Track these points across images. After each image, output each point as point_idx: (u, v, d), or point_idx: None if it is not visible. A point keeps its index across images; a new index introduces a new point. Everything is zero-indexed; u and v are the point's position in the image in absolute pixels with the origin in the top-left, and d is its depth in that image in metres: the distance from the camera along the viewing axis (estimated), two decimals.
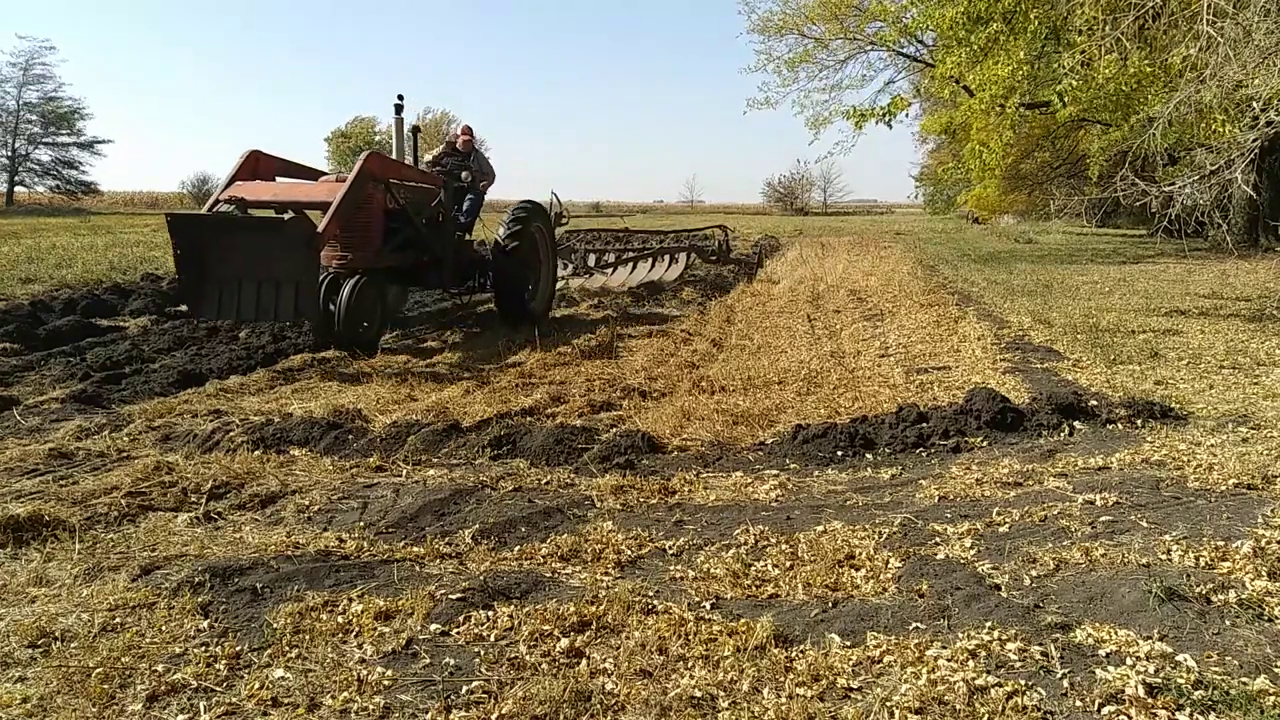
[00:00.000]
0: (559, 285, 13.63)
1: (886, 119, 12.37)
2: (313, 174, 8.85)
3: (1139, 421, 5.26)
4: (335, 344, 8.18)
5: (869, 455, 4.99)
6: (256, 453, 4.98)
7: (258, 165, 8.34)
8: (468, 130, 11.36)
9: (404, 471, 4.76)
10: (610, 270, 15.23)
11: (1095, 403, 5.58)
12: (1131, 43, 9.09)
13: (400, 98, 10.18)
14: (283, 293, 7.00)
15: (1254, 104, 8.20)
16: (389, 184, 8.52)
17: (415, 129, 10.71)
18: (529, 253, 10.49)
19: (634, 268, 15.47)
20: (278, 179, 8.46)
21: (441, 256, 9.56)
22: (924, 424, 5.27)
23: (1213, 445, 4.76)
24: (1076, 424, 5.27)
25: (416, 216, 9.18)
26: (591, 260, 15.64)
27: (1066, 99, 9.90)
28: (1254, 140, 8.54)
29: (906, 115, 13.45)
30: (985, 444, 5.07)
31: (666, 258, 16.08)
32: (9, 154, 50.35)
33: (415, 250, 9.36)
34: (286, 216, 7.04)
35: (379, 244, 8.66)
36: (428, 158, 10.95)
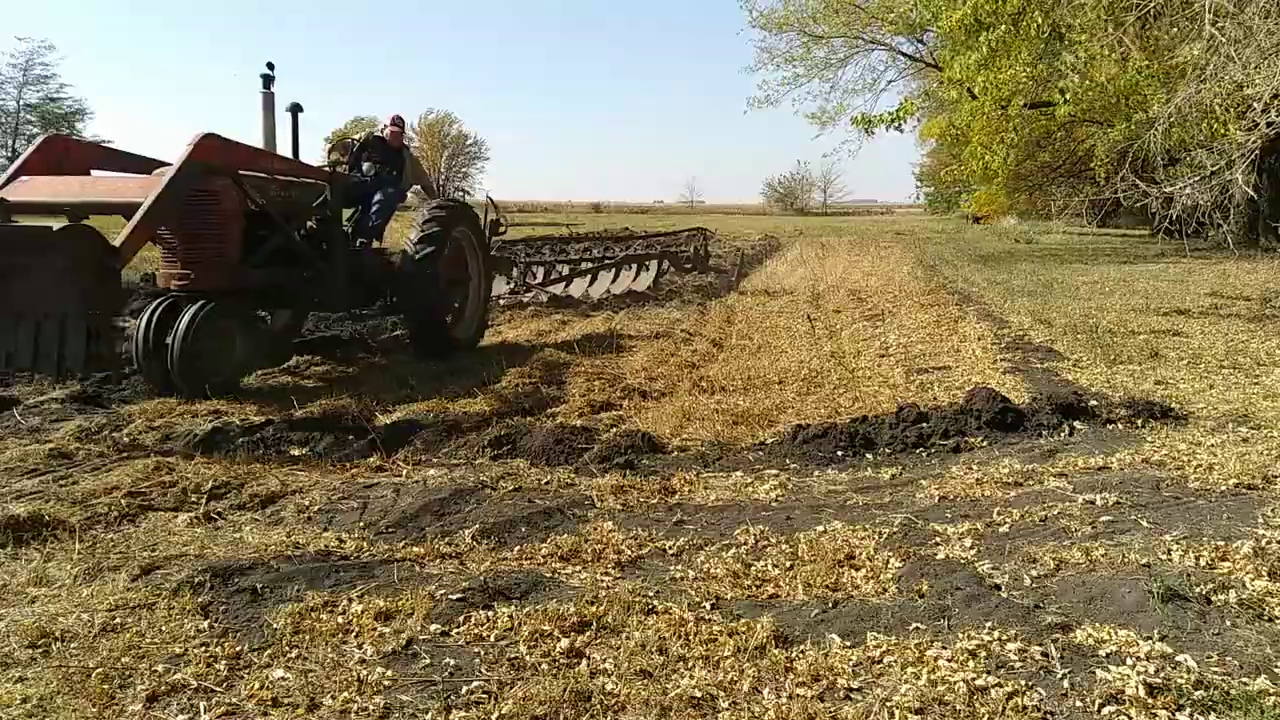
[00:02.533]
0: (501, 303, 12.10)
1: (896, 124, 12.43)
2: (148, 166, 6.80)
3: (1139, 421, 5.25)
4: (175, 390, 6.09)
5: (869, 455, 4.99)
6: (256, 453, 4.97)
7: (61, 156, 6.40)
8: (398, 121, 9.26)
9: (404, 471, 4.75)
10: (565, 284, 13.26)
11: (1095, 403, 5.58)
12: (1134, 44, 9.11)
13: (270, 66, 7.78)
14: (69, 332, 5.04)
15: (1254, 104, 8.20)
16: (238, 177, 6.59)
17: (295, 107, 8.21)
18: (452, 265, 8.56)
19: (593, 280, 13.60)
20: (93, 173, 6.60)
21: (328, 271, 7.53)
22: (924, 424, 5.27)
23: (1213, 445, 4.75)
24: (1077, 424, 5.27)
25: (291, 220, 7.33)
26: (540, 274, 13.59)
27: (1068, 96, 9.92)
28: (1254, 141, 8.54)
29: (916, 119, 13.53)
30: (985, 444, 5.06)
31: (634, 267, 14.27)
32: (9, 155, 50.39)
33: (291, 264, 7.34)
34: (55, 225, 5.32)
35: (235, 257, 6.78)
36: (334, 155, 9.15)
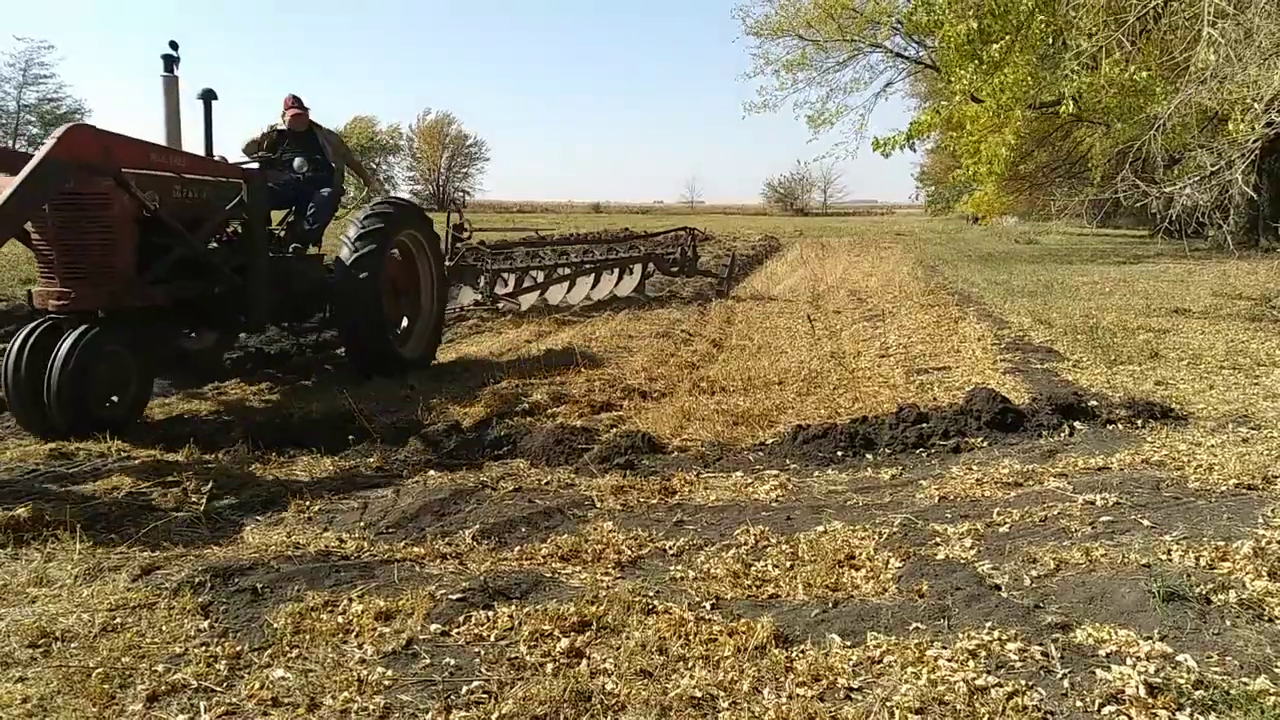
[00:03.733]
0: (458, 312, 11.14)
1: (910, 143, 12.59)
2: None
3: (1139, 422, 5.25)
4: (54, 430, 5.11)
5: (869, 455, 4.99)
6: (256, 453, 4.98)
7: None
8: (294, 102, 7.78)
9: (404, 471, 4.75)
10: (540, 292, 12.30)
11: (1095, 403, 5.58)
12: (1135, 44, 9.11)
13: (174, 46, 6.63)
14: None
15: (1255, 104, 8.21)
16: (123, 177, 5.53)
17: (207, 94, 7.16)
18: (399, 272, 7.68)
19: (571, 286, 12.66)
20: None
21: (248, 283, 6.46)
22: (924, 424, 5.27)
23: (1213, 445, 4.75)
24: (1077, 424, 5.27)
25: (199, 226, 6.22)
26: (511, 282, 12.37)
27: (1080, 99, 9.93)
28: (1254, 141, 8.54)
29: (928, 139, 13.65)
30: (985, 444, 5.07)
31: (615, 271, 13.30)
32: None
33: (197, 278, 6.27)
34: None
35: (127, 270, 5.70)
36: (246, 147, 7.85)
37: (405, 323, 7.89)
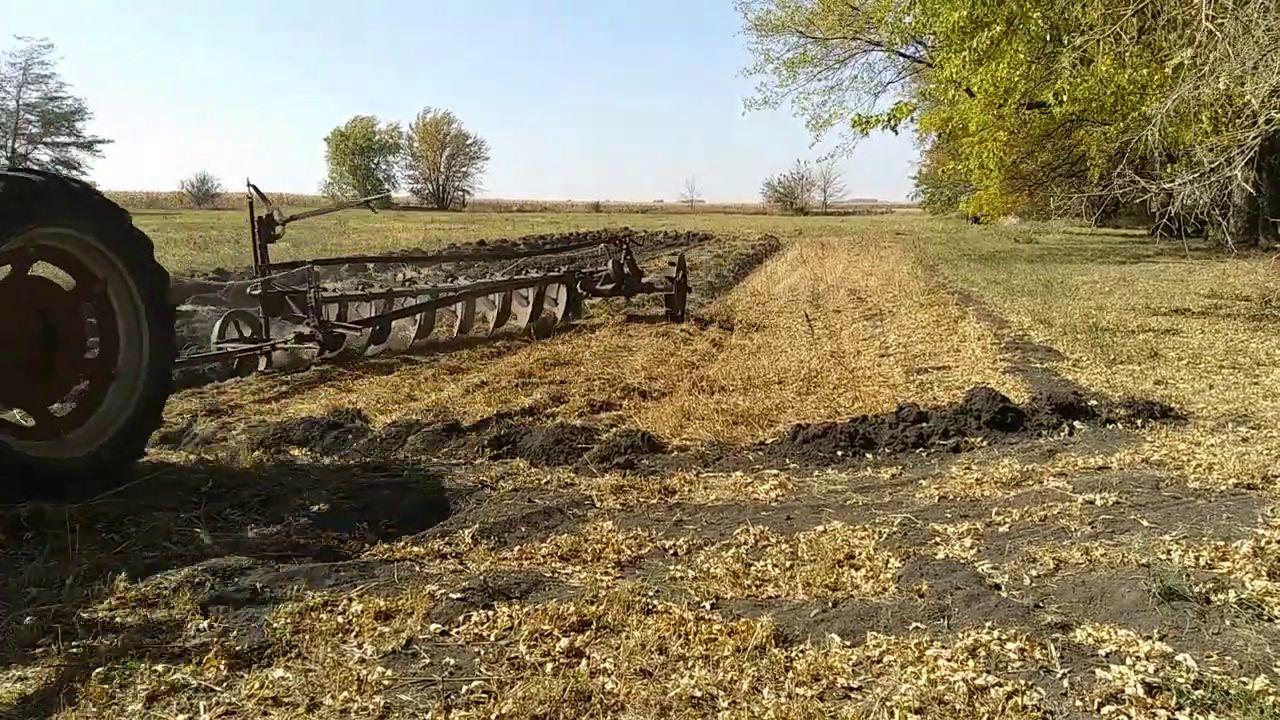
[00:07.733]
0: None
1: (892, 124, 12.50)
2: None
3: (1139, 421, 5.25)
4: None
5: (869, 455, 4.99)
6: (256, 453, 4.97)
7: None
8: None
9: (404, 471, 4.75)
10: (420, 325, 9.11)
11: (1095, 403, 5.58)
12: (1133, 44, 9.10)
13: None
14: None
15: (1253, 101, 8.19)
16: None
17: None
18: (22, 311, 4.14)
19: (464, 313, 9.61)
20: None
21: None
22: (924, 424, 5.27)
23: (1212, 445, 4.75)
24: (1076, 424, 5.27)
25: None
26: (365, 310, 8.91)
27: (1063, 98, 9.94)
28: (1253, 138, 8.54)
29: (911, 117, 13.57)
30: (985, 444, 5.07)
31: (529, 293, 10.14)
32: (8, 155, 50.34)
33: None
34: None
35: None
36: None
37: (79, 402, 4.50)
